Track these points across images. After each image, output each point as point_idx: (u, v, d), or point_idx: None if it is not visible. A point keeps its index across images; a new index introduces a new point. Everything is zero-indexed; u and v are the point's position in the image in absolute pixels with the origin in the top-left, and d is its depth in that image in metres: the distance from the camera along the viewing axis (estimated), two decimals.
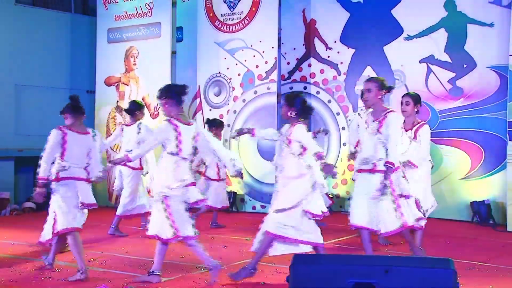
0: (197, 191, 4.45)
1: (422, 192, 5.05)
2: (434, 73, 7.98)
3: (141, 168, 6.63)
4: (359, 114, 5.79)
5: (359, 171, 4.62)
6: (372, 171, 4.50)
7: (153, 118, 9.16)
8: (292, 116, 4.42)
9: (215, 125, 7.10)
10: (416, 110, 5.14)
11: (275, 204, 4.40)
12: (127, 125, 6.75)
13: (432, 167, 5.27)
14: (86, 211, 4.83)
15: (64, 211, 4.59)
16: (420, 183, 5.03)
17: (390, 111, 4.55)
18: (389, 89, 4.69)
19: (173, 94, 4.34)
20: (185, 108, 9.41)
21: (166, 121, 4.33)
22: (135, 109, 6.70)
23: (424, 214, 5.02)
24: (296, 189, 4.34)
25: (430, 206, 5.17)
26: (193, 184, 4.40)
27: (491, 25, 7.56)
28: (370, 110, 4.64)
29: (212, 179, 6.96)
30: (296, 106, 4.40)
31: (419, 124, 5.09)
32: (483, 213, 7.37)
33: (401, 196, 4.51)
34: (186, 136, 4.32)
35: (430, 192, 5.20)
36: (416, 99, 5.16)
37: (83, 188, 4.72)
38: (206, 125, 7.30)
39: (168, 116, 4.37)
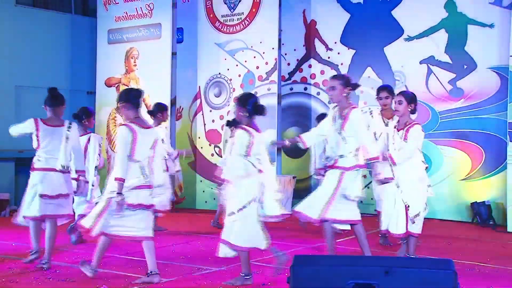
0: (147, 195, 4.41)
1: (412, 197, 4.76)
2: (434, 74, 7.99)
3: (166, 169, 6.67)
4: (370, 113, 5.79)
5: (327, 167, 4.78)
6: (333, 167, 4.64)
7: None
8: (244, 116, 4.41)
9: (235, 124, 7.13)
10: (410, 109, 4.83)
11: (227, 206, 4.39)
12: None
13: (426, 168, 5.02)
14: (68, 201, 4.97)
15: (29, 200, 4.89)
16: (411, 187, 4.76)
17: (353, 108, 4.61)
18: (354, 86, 4.71)
19: (129, 97, 4.45)
20: (185, 109, 9.46)
21: (122, 126, 4.41)
22: (157, 111, 6.68)
23: (413, 221, 4.75)
24: (245, 189, 4.32)
25: (420, 211, 4.78)
26: (146, 187, 4.39)
27: (491, 26, 7.57)
28: (336, 107, 4.71)
29: None
30: (248, 106, 4.38)
31: (410, 124, 4.81)
32: (484, 214, 7.37)
33: (345, 197, 4.61)
34: (143, 139, 4.37)
35: (422, 197, 4.84)
36: (409, 98, 4.85)
37: (53, 179, 4.87)
38: (226, 126, 7.32)
39: (126, 119, 4.46)
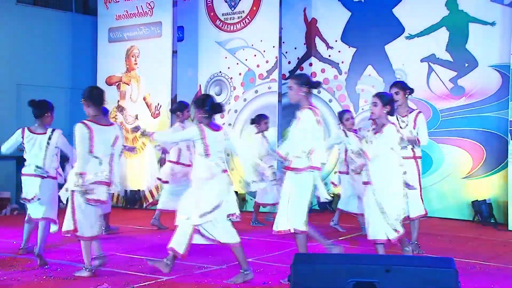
0: (103, 191, 4.54)
1: (388, 202, 4.44)
2: (435, 72, 7.97)
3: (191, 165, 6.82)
4: None
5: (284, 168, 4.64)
6: (288, 168, 4.49)
7: (154, 118, 9.17)
8: (203, 117, 4.50)
9: (257, 121, 7.14)
10: (386, 111, 4.50)
11: (198, 207, 4.38)
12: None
13: (404, 172, 4.61)
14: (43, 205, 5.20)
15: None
16: (387, 192, 4.45)
17: (307, 108, 4.49)
18: (314, 85, 4.56)
19: (91, 95, 4.64)
20: None
21: (78, 123, 4.57)
22: (176, 109, 6.97)
23: (392, 226, 4.44)
24: (211, 190, 4.38)
25: (399, 215, 4.48)
26: (104, 183, 4.52)
27: (492, 24, 7.55)
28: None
29: None
30: (206, 107, 4.49)
31: (384, 126, 4.50)
32: (485, 212, 7.35)
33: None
34: (101, 136, 4.53)
35: (398, 201, 4.49)
36: (385, 99, 4.54)
37: (30, 184, 5.19)
38: (253, 125, 7.32)
39: (87, 116, 4.63)
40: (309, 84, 4.56)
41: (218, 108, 4.56)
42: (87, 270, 4.56)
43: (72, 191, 4.53)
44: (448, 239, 6.30)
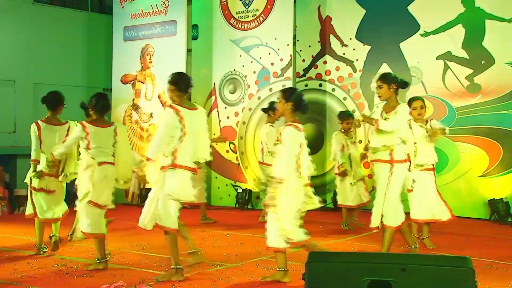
0: (50, 182, 5.23)
1: (280, 210, 4.19)
2: (451, 69, 7.90)
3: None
4: (377, 107, 5.40)
5: None
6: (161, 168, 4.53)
7: None
8: (92, 113, 4.97)
9: (343, 118, 6.91)
10: (289, 108, 4.28)
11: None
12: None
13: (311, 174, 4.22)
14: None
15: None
16: (280, 199, 4.17)
17: (167, 106, 4.49)
18: (180, 83, 4.42)
19: (45, 99, 5.37)
20: (200, 106, 9.46)
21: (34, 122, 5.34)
22: (270, 109, 7.06)
23: (282, 236, 4.20)
24: (83, 181, 4.83)
25: (288, 226, 4.19)
26: (52, 175, 5.23)
27: (509, 20, 7.46)
28: None
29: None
30: (91, 104, 4.95)
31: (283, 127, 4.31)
32: (501, 211, 7.28)
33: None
34: (49, 134, 5.26)
35: (290, 210, 4.19)
36: (287, 95, 4.38)
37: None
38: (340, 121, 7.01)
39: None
40: (175, 82, 4.45)
41: (102, 107, 4.93)
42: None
43: (30, 179, 5.25)
44: (464, 238, 6.25)
